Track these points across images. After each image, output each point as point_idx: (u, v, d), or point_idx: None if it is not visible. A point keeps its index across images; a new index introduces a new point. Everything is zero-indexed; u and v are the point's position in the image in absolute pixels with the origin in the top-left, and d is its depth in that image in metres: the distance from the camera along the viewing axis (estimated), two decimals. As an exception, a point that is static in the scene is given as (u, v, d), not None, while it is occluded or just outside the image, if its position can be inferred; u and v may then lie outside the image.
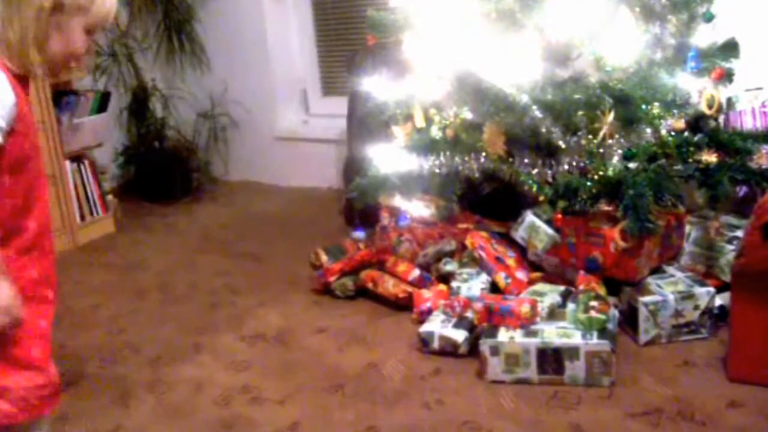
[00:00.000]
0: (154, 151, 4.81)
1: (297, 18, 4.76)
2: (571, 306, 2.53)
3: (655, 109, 2.65)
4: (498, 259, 2.90)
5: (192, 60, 4.92)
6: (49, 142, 3.89)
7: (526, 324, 2.45)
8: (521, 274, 2.86)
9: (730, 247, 2.73)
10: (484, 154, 2.87)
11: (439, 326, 2.64)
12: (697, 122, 2.85)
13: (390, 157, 3.04)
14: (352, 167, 3.75)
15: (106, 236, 4.20)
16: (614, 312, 2.53)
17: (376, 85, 3.17)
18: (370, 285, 3.07)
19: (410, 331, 2.78)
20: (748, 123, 3.14)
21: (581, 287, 2.61)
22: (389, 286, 3.01)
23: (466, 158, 2.91)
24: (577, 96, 2.67)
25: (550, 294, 2.63)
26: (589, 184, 2.57)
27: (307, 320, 3.01)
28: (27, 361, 1.59)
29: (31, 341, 1.60)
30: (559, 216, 2.75)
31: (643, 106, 2.63)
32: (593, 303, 2.44)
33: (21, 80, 1.48)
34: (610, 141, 2.64)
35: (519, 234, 2.91)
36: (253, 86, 4.81)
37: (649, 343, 2.55)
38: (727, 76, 2.87)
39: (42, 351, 1.64)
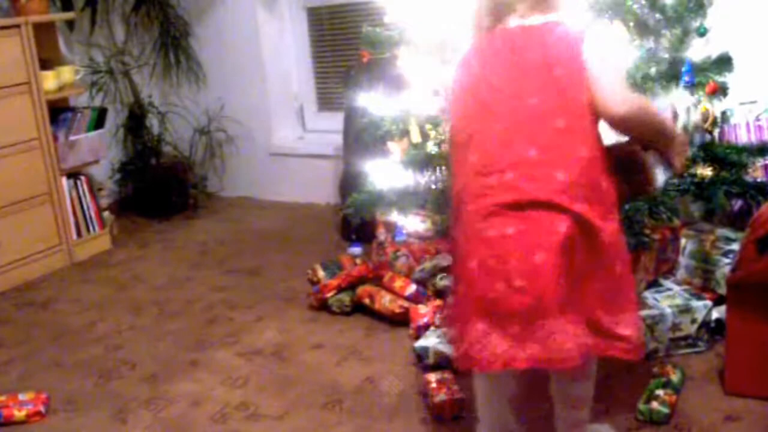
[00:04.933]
0: (150, 167, 4.81)
1: (293, 34, 4.78)
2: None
3: (650, 123, 2.65)
4: (495, 274, 2.90)
5: (188, 76, 4.93)
6: (46, 159, 3.89)
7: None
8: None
9: (726, 260, 2.73)
10: (480, 168, 2.87)
11: (434, 341, 2.64)
12: (691, 136, 2.86)
13: (386, 173, 3.04)
14: (349, 183, 3.75)
15: (102, 252, 4.20)
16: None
17: (372, 101, 3.18)
18: (366, 300, 3.07)
19: (407, 346, 2.78)
20: (743, 136, 3.15)
21: (655, 369, 2.42)
22: (386, 301, 3.01)
23: (462, 173, 2.90)
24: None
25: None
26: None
27: (304, 336, 3.01)
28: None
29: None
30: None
31: (638, 121, 2.63)
32: (659, 392, 2.27)
33: None
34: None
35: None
36: (249, 102, 4.82)
37: (646, 357, 2.55)
38: (721, 90, 2.87)
39: None
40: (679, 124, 1.90)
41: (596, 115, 1.76)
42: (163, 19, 4.77)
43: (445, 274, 3.05)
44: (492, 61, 1.81)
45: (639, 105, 1.78)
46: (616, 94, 1.73)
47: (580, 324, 1.74)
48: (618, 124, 1.78)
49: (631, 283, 1.88)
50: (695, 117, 2.77)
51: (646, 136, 1.84)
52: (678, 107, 1.92)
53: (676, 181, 2.63)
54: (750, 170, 2.76)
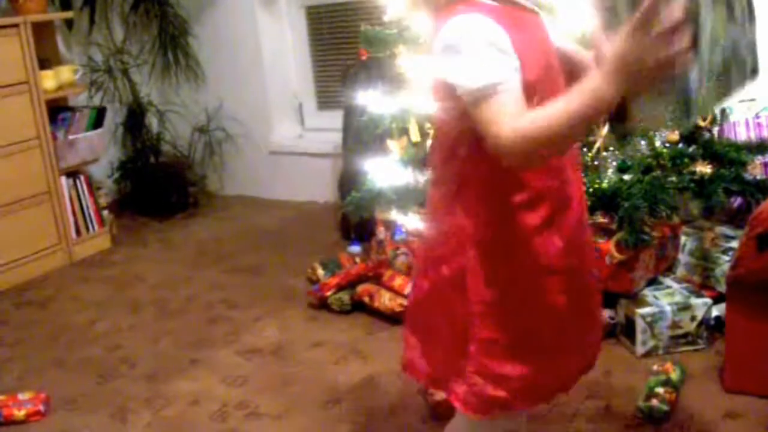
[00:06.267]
0: (149, 166, 4.82)
1: (292, 32, 4.78)
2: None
3: (649, 121, 2.65)
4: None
5: (187, 75, 4.93)
6: (45, 158, 3.89)
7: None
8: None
9: (726, 257, 2.74)
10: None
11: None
12: (691, 134, 2.86)
13: (385, 171, 3.04)
14: (348, 181, 3.75)
15: (102, 251, 4.20)
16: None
17: (371, 99, 3.18)
18: (366, 299, 3.07)
19: (407, 344, 2.78)
20: (742, 134, 3.15)
21: (655, 367, 2.41)
22: (385, 300, 3.01)
23: (462, 171, 2.90)
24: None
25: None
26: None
27: (303, 334, 3.01)
28: None
29: None
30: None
31: (637, 119, 2.63)
32: (659, 390, 2.27)
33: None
34: (604, 153, 2.66)
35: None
36: (249, 100, 4.82)
37: (646, 354, 2.55)
38: (720, 88, 2.87)
39: None
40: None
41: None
42: (161, 17, 4.77)
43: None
44: None
45: (523, 141, 1.23)
46: (487, 137, 1.28)
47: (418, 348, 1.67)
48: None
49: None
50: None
51: (576, 133, 1.30)
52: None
53: (674, 178, 2.63)
54: (749, 168, 2.76)
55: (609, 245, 2.57)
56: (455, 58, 1.29)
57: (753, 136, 3.14)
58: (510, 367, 1.46)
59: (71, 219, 4.06)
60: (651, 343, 2.55)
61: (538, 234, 1.41)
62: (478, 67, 1.27)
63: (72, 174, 4.08)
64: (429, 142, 3.04)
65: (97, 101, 4.58)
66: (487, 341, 1.45)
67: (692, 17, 1.14)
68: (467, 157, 1.40)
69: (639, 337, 2.54)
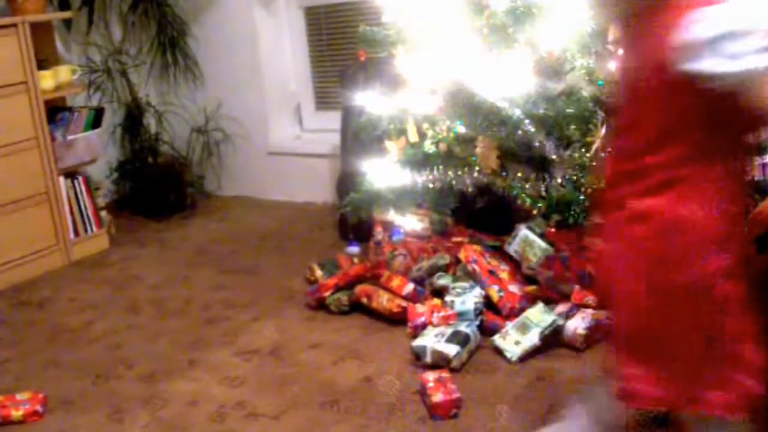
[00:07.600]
0: (148, 166, 4.81)
1: (290, 33, 4.78)
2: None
3: (647, 122, 2.66)
4: (491, 273, 2.90)
5: (186, 75, 4.93)
6: (43, 158, 3.89)
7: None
8: (514, 288, 2.86)
9: (723, 259, 2.73)
10: (477, 168, 2.88)
11: (432, 340, 2.64)
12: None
13: (384, 172, 3.05)
14: (346, 182, 3.75)
15: (100, 252, 4.20)
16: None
17: (369, 100, 3.18)
18: (364, 300, 3.07)
19: (405, 345, 2.78)
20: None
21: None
22: (383, 300, 3.01)
23: (460, 172, 2.92)
24: (569, 110, 2.68)
25: (534, 329, 2.62)
26: (582, 197, 2.58)
27: (301, 335, 3.00)
28: None
29: None
30: (553, 230, 2.75)
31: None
32: None
33: None
34: (602, 154, 2.66)
35: (513, 248, 2.91)
36: (247, 101, 4.82)
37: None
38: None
39: None
40: None
41: None
42: (160, 18, 4.77)
43: (442, 273, 3.05)
44: None
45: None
46: None
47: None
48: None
49: None
50: None
51: None
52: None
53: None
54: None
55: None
56: (734, 45, 1.28)
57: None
58: (760, 354, 1.45)
59: (69, 219, 4.06)
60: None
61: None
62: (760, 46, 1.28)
63: (70, 174, 4.08)
64: (435, 142, 3.03)
65: (95, 101, 4.58)
66: (741, 334, 1.45)
67: None
68: (699, 157, 1.43)
69: (637, 338, 2.54)
